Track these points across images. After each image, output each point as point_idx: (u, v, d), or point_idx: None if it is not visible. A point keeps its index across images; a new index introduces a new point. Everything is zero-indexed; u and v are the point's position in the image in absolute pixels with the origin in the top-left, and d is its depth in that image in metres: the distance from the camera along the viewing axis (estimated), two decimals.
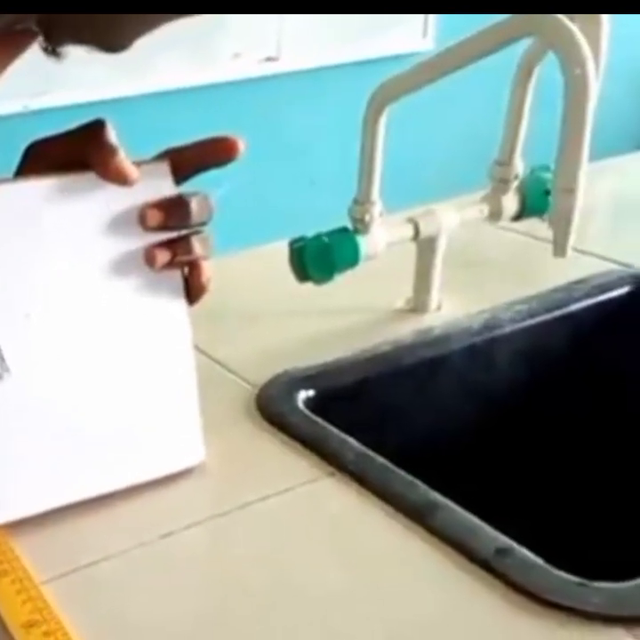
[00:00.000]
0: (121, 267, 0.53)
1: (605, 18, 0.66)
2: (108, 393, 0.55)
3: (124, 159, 0.51)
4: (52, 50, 0.43)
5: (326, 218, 0.76)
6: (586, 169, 0.63)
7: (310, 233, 0.73)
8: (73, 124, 0.52)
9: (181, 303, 0.56)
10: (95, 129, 0.51)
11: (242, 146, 0.52)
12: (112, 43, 0.42)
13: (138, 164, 0.52)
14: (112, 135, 0.51)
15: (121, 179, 0.51)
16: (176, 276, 0.55)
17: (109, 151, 0.50)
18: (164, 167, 0.53)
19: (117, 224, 0.52)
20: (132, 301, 0.54)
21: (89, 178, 0.51)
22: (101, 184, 0.51)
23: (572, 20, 0.63)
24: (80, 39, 0.42)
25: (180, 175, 0.53)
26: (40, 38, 0.42)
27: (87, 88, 1.29)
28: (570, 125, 0.62)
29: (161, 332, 0.56)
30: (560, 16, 0.63)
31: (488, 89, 0.89)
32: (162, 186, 0.53)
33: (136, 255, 0.53)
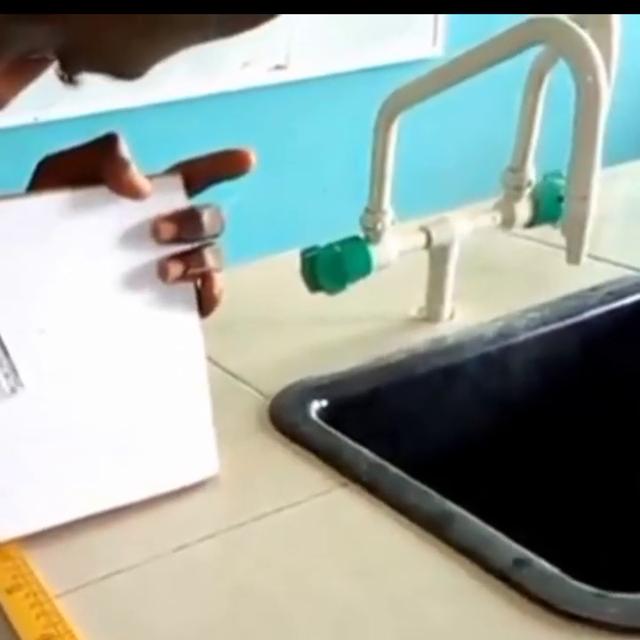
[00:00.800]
0: (134, 280, 0.53)
1: (616, 23, 0.65)
2: (122, 406, 0.55)
3: (137, 173, 0.51)
4: (68, 78, 0.43)
5: (338, 226, 0.76)
6: (599, 175, 0.63)
7: (322, 241, 0.73)
8: (82, 136, 0.53)
9: (194, 315, 0.56)
10: (107, 143, 0.51)
11: (254, 158, 0.53)
12: (128, 70, 0.42)
13: (150, 177, 0.52)
14: (124, 149, 0.51)
15: (133, 193, 0.51)
16: (189, 289, 0.55)
17: (122, 165, 0.50)
18: (177, 180, 0.53)
19: (130, 237, 0.52)
20: (145, 314, 0.54)
21: (101, 192, 0.51)
22: (114, 198, 0.51)
23: (582, 26, 0.63)
24: (96, 67, 0.42)
25: (192, 188, 0.53)
26: (56, 65, 0.43)
27: (96, 99, 1.30)
28: (582, 132, 0.62)
29: (174, 344, 0.56)
30: (571, 23, 0.62)
31: (500, 95, 0.89)
32: (174, 199, 0.53)
33: (149, 268, 0.53)
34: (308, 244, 0.74)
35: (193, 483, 0.58)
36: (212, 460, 0.58)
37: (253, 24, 0.41)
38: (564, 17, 0.64)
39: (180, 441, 0.57)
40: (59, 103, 1.27)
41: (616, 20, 0.65)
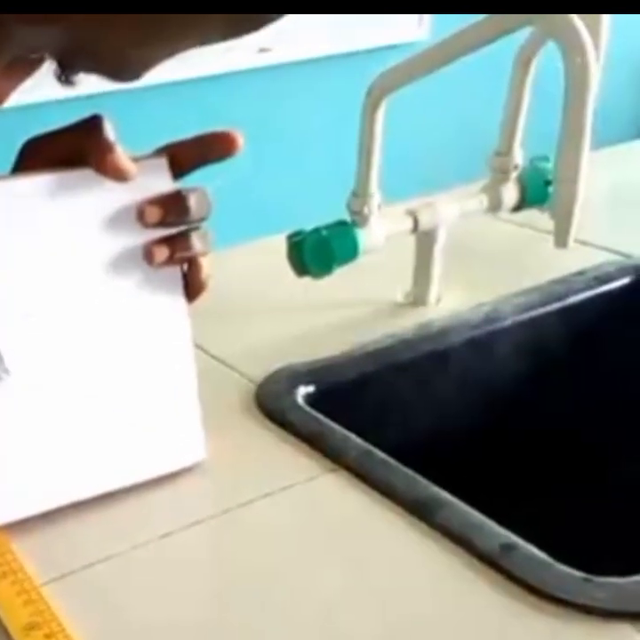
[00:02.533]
0: (119, 264, 0.53)
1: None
2: (108, 392, 0.54)
3: (122, 155, 0.50)
4: (66, 78, 0.43)
5: (323, 210, 0.75)
6: (587, 158, 0.62)
7: (307, 226, 0.73)
8: (66, 119, 0.52)
9: (180, 300, 0.55)
10: (92, 125, 0.50)
11: (241, 140, 0.52)
12: (127, 73, 0.42)
13: (135, 159, 0.51)
14: (109, 131, 0.50)
15: (118, 175, 0.50)
16: (175, 273, 0.54)
17: (106, 147, 0.50)
18: (162, 162, 0.52)
19: (115, 221, 0.52)
20: (131, 299, 0.54)
21: (86, 174, 0.50)
22: (99, 180, 0.50)
23: None
24: (95, 69, 0.42)
25: (178, 171, 0.53)
26: (53, 66, 0.42)
27: (80, 82, 1.28)
28: (571, 115, 0.61)
29: (160, 329, 0.55)
30: None
31: (487, 78, 0.88)
32: (160, 181, 0.52)
33: (135, 252, 0.53)
34: (293, 228, 0.74)
35: (180, 468, 0.57)
36: (199, 446, 0.58)
37: (258, 26, 0.41)
38: None
39: (166, 426, 0.57)
40: (42, 86, 1.25)
41: None
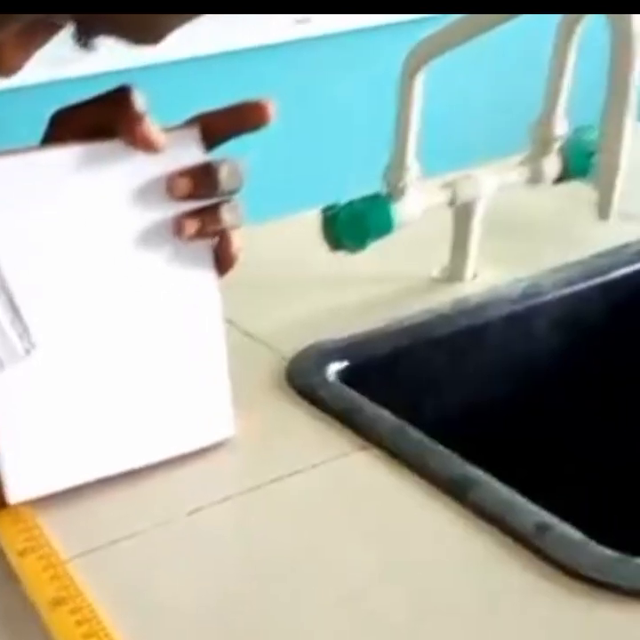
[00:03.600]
0: (149, 237, 0.52)
1: None
2: (137, 367, 0.54)
3: (151, 125, 0.49)
4: (85, 42, 0.42)
5: (361, 184, 0.73)
6: (632, 127, 0.60)
7: (341, 198, 0.71)
8: (95, 93, 0.51)
9: (211, 274, 0.54)
10: (121, 95, 0.49)
11: (273, 109, 0.51)
12: (148, 36, 0.41)
13: (166, 130, 0.50)
14: (139, 101, 0.49)
15: (148, 145, 0.49)
16: (205, 247, 0.53)
17: (136, 117, 0.49)
18: (194, 133, 0.51)
19: (145, 193, 0.51)
20: (161, 272, 0.53)
21: (116, 145, 0.50)
22: (129, 151, 0.50)
23: None
24: (115, 32, 0.41)
25: (209, 142, 0.52)
26: (71, 28, 0.41)
27: (115, 56, 1.28)
28: (615, 83, 0.59)
29: (190, 303, 0.54)
30: None
31: (529, 44, 0.86)
32: (191, 152, 0.51)
33: (164, 225, 0.52)
34: (328, 201, 0.72)
35: (209, 444, 0.57)
36: (229, 422, 0.57)
37: None
38: None
39: (196, 402, 0.56)
40: (74, 61, 1.25)
41: None
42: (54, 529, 0.51)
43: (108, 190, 0.50)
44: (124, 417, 0.54)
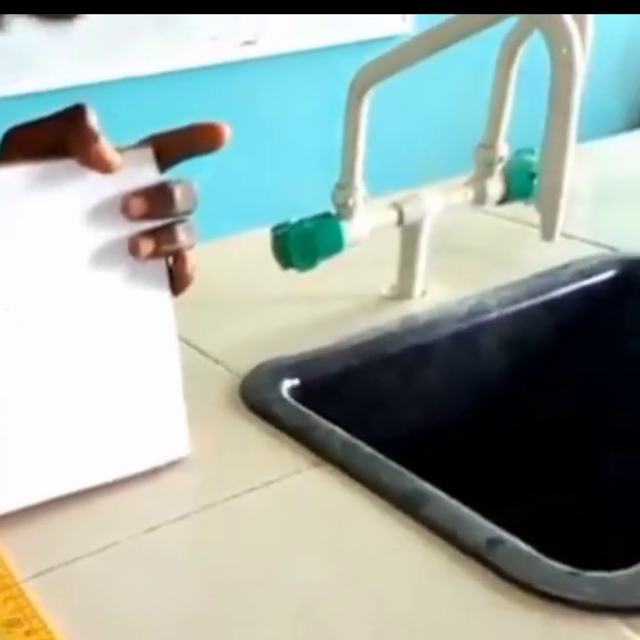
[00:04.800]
0: (104, 256, 0.52)
1: None
2: (91, 386, 0.54)
3: (106, 145, 0.49)
4: None
5: (308, 202, 0.74)
6: (573, 151, 0.62)
7: (291, 217, 0.72)
8: (47, 111, 0.51)
9: (166, 294, 0.54)
10: (75, 114, 0.49)
11: (228, 132, 0.51)
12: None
13: (120, 150, 0.50)
14: (93, 120, 0.49)
15: (103, 166, 0.49)
16: (160, 267, 0.54)
17: (90, 137, 0.49)
18: (148, 153, 0.51)
19: (99, 212, 0.51)
20: (116, 292, 0.53)
21: (69, 165, 0.50)
22: (83, 171, 0.50)
23: None
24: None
25: (163, 162, 0.52)
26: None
27: (61, 74, 1.27)
28: (557, 106, 0.61)
29: (145, 323, 0.54)
30: None
31: (472, 69, 0.88)
32: (145, 173, 0.51)
33: (119, 244, 0.52)
34: (279, 220, 0.73)
35: (164, 463, 0.57)
36: (184, 441, 0.57)
37: None
38: None
39: (150, 421, 0.56)
40: (25, 78, 1.24)
41: None
42: (8, 548, 0.50)
43: (62, 210, 0.50)
44: (79, 436, 0.54)
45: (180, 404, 0.57)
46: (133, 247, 0.51)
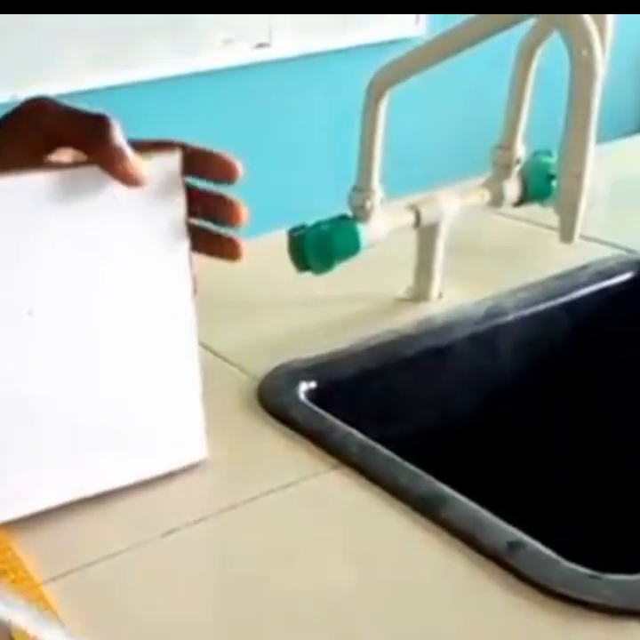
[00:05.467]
0: (126, 259, 0.52)
1: None
2: (111, 389, 0.54)
3: (132, 161, 0.49)
4: None
5: (322, 205, 0.74)
6: (592, 152, 0.62)
7: (306, 221, 0.72)
8: None
9: (188, 296, 0.54)
10: (99, 128, 0.49)
11: (240, 172, 0.53)
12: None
13: (148, 154, 0.50)
14: (118, 135, 0.49)
15: (130, 182, 0.49)
16: (182, 268, 0.54)
17: (115, 155, 0.49)
18: (176, 159, 0.51)
19: (123, 214, 0.51)
20: (137, 294, 0.53)
21: (94, 170, 0.50)
22: (105, 176, 0.50)
23: None
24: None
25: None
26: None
27: (75, 78, 1.28)
28: (576, 108, 0.61)
29: (165, 326, 0.54)
30: None
31: (490, 71, 0.88)
32: (170, 176, 0.51)
33: (142, 247, 0.52)
34: (292, 223, 0.73)
35: (180, 467, 0.57)
36: (201, 445, 0.57)
37: None
38: None
39: (168, 425, 0.56)
40: (38, 81, 1.25)
41: None
42: (29, 552, 0.50)
43: (85, 214, 0.50)
44: (98, 439, 0.54)
45: (199, 407, 0.57)
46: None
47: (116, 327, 0.53)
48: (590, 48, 0.59)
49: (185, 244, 0.53)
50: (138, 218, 0.51)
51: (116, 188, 0.50)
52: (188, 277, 0.54)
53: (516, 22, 0.65)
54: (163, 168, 0.51)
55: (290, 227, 0.73)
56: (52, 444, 0.53)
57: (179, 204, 0.52)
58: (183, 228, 0.53)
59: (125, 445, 0.55)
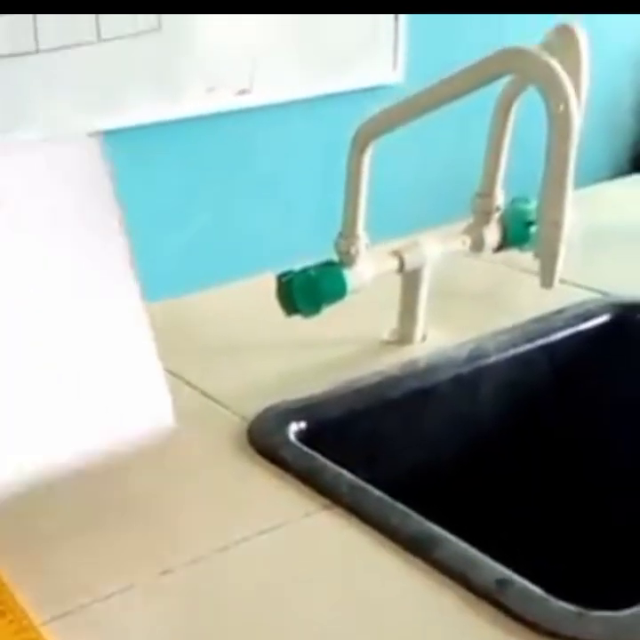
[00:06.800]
0: (62, 237, 0.55)
1: (584, 50, 0.67)
2: (68, 359, 0.55)
3: None
4: None
5: (304, 249, 0.76)
6: (570, 201, 0.64)
7: (289, 263, 0.74)
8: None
9: (128, 265, 0.57)
10: None
11: None
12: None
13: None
14: None
15: None
16: (118, 238, 0.56)
17: None
18: (97, 141, 0.55)
19: (54, 196, 0.54)
20: (78, 269, 0.55)
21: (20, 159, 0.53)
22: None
23: (552, 53, 0.65)
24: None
25: None
26: None
27: (56, 125, 1.29)
28: (554, 160, 0.63)
29: (109, 292, 0.56)
30: (541, 53, 0.64)
31: (470, 120, 0.91)
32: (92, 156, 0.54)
33: (77, 224, 0.54)
34: (275, 265, 0.75)
35: (147, 432, 0.57)
36: (167, 410, 0.58)
37: None
38: (533, 47, 0.66)
39: (129, 389, 0.57)
40: (17, 128, 1.26)
41: (584, 45, 0.67)
42: (26, 591, 0.51)
43: (19, 198, 0.53)
44: (61, 408, 0.55)
45: (160, 373, 0.57)
46: None
47: (59, 298, 0.55)
48: (567, 103, 0.61)
49: (117, 214, 0.56)
50: (69, 196, 0.54)
51: (44, 173, 0.53)
52: (124, 244, 0.56)
53: (499, 77, 0.67)
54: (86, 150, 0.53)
55: (273, 269, 0.75)
56: (15, 414, 0.53)
57: (106, 180, 0.55)
58: (113, 201, 0.55)
59: (88, 413, 0.55)
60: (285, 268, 0.74)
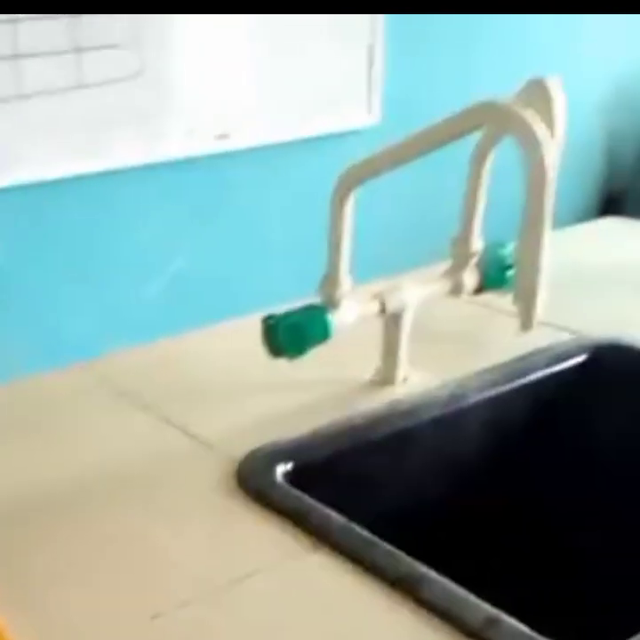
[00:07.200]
0: None
1: (560, 104, 0.69)
2: None
3: None
4: None
5: (280, 292, 0.78)
6: (548, 246, 0.67)
7: (266, 305, 0.76)
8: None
9: None
10: None
11: None
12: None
13: None
14: None
15: None
16: None
17: None
18: None
19: None
20: None
21: None
22: None
23: (528, 105, 0.67)
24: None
25: None
26: None
27: (38, 167, 1.30)
28: (531, 206, 0.66)
29: None
30: (517, 106, 0.67)
31: (445, 164, 0.93)
32: None
33: None
34: (255, 308, 0.76)
35: None
36: None
37: None
38: (509, 100, 0.68)
39: None
40: (3, 170, 1.27)
41: (560, 100, 0.69)
42: (20, 633, 0.51)
43: None
44: None
45: None
46: None
47: None
48: (543, 155, 0.63)
49: None
50: None
51: None
52: None
53: (477, 129, 0.70)
54: None
55: (252, 311, 0.77)
56: None
57: None
58: None
59: None
60: (263, 310, 0.76)
